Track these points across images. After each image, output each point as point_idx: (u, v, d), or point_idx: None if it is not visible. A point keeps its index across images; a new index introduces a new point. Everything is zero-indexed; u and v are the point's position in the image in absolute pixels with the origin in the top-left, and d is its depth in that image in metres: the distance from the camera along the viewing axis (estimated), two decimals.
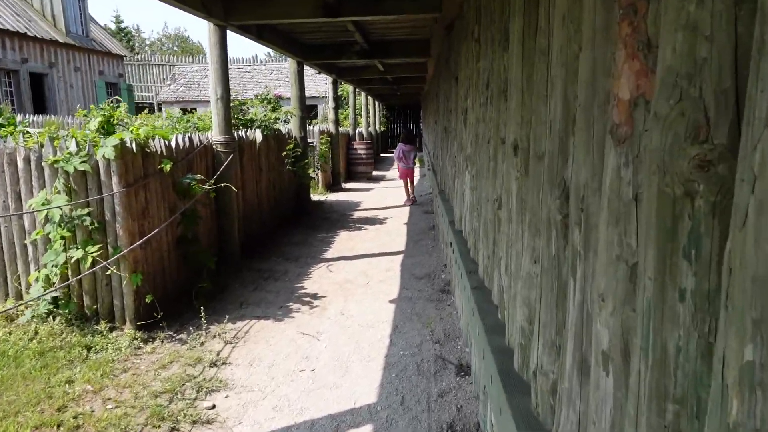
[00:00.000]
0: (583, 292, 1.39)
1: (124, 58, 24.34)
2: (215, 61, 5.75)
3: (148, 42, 64.73)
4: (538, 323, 1.79)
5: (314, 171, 8.79)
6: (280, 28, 7.44)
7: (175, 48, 64.85)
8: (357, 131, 18.59)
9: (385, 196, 11.98)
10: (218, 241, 5.98)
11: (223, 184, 5.42)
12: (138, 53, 45.28)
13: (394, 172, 18.12)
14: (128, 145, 4.26)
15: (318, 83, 30.74)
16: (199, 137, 5.71)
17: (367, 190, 13.25)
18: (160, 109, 26.62)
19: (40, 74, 18.76)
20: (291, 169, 8.25)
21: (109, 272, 4.14)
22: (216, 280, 5.47)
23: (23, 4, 19.07)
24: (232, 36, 7.83)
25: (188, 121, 8.16)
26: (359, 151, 15.59)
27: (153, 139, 4.76)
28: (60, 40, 19.10)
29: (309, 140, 12.27)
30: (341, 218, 9.27)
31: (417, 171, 16.50)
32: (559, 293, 1.62)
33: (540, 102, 1.84)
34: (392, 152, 29.33)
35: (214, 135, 5.88)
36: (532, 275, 1.93)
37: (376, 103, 23.50)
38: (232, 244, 6.04)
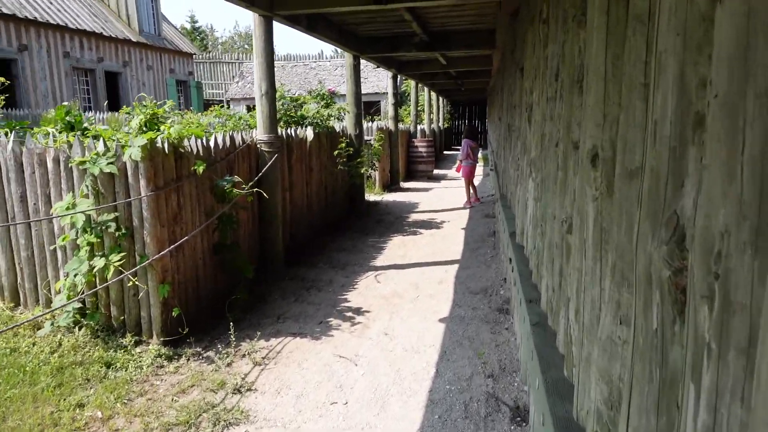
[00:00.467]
0: (715, 414, 0.82)
1: (194, 56, 24.98)
2: (260, 55, 5.40)
3: (220, 41, 66.94)
4: (626, 423, 1.22)
5: (369, 171, 8.37)
6: (332, 19, 7.04)
7: (245, 46, 66.72)
8: (419, 128, 18.07)
9: (444, 197, 11.39)
10: (260, 247, 5.65)
11: (255, 190, 5.04)
12: (210, 51, 46.83)
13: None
14: (159, 145, 3.96)
15: (381, 79, 30.44)
16: (242, 136, 5.39)
17: (427, 190, 12.70)
18: (228, 106, 27.25)
19: (115, 73, 19.49)
20: (343, 168, 7.85)
21: (131, 283, 3.86)
22: (255, 289, 5.14)
23: (100, 4, 19.86)
24: (297, 33, 7.49)
25: (240, 118, 7.94)
26: (420, 149, 15.06)
27: (189, 138, 4.46)
28: (133, 39, 19.76)
29: (367, 137, 11.88)
30: (396, 221, 8.79)
31: (479, 170, 15.76)
32: (663, 390, 1.05)
33: (633, 93, 1.26)
34: (456, 149, 28.54)
35: (258, 133, 5.54)
36: (616, 342, 1.35)
37: (440, 98, 22.86)
38: (275, 251, 5.70)
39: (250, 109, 25.32)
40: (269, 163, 5.42)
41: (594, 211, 1.60)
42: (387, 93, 26.14)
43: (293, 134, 6.60)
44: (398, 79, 12.75)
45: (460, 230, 8.07)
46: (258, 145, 5.51)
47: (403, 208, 10.05)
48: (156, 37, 21.56)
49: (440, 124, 23.62)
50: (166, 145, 4.02)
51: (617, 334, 1.35)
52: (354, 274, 5.89)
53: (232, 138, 5.09)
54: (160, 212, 3.93)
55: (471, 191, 10.18)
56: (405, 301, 5.01)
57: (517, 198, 4.66)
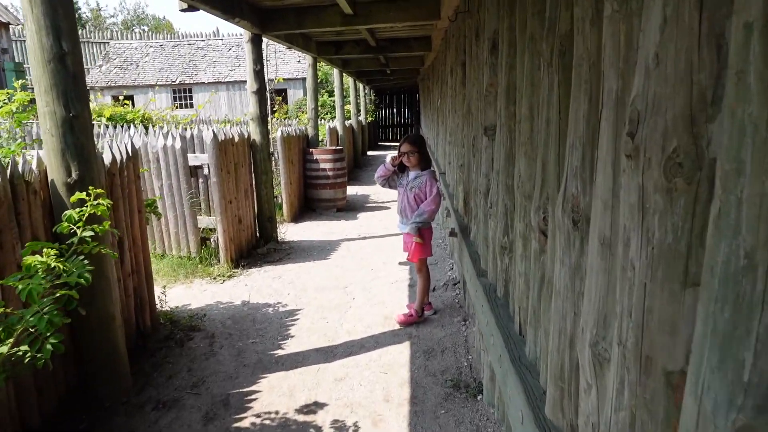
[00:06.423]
0: None
1: (10, 27, 17.71)
2: None
3: (111, 21, 57.44)
4: None
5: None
6: None
7: (143, 28, 57.53)
8: (328, 126, 12.25)
9: (356, 276, 5.60)
10: None
11: None
12: (91, 32, 38.61)
13: (385, 192, 11.09)
14: None
15: (288, 61, 24.25)
16: None
17: (327, 252, 6.84)
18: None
19: None
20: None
21: None
22: None
23: None
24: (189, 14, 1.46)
25: None
26: (322, 166, 9.20)
27: None
28: None
29: (195, 165, 5.92)
30: None
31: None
32: None
33: None
34: (385, 148, 22.84)
35: None
36: None
37: (358, 84, 17.04)
38: None
39: (117, 100, 18.45)
40: None
41: None
42: (303, 79, 20.07)
43: None
44: (263, 44, 6.73)
45: None
46: None
47: (244, 347, 4.17)
48: None
49: (361, 117, 17.85)
50: None
51: None
52: None
53: None
54: None
55: (422, 289, 4.40)
56: None
57: None
